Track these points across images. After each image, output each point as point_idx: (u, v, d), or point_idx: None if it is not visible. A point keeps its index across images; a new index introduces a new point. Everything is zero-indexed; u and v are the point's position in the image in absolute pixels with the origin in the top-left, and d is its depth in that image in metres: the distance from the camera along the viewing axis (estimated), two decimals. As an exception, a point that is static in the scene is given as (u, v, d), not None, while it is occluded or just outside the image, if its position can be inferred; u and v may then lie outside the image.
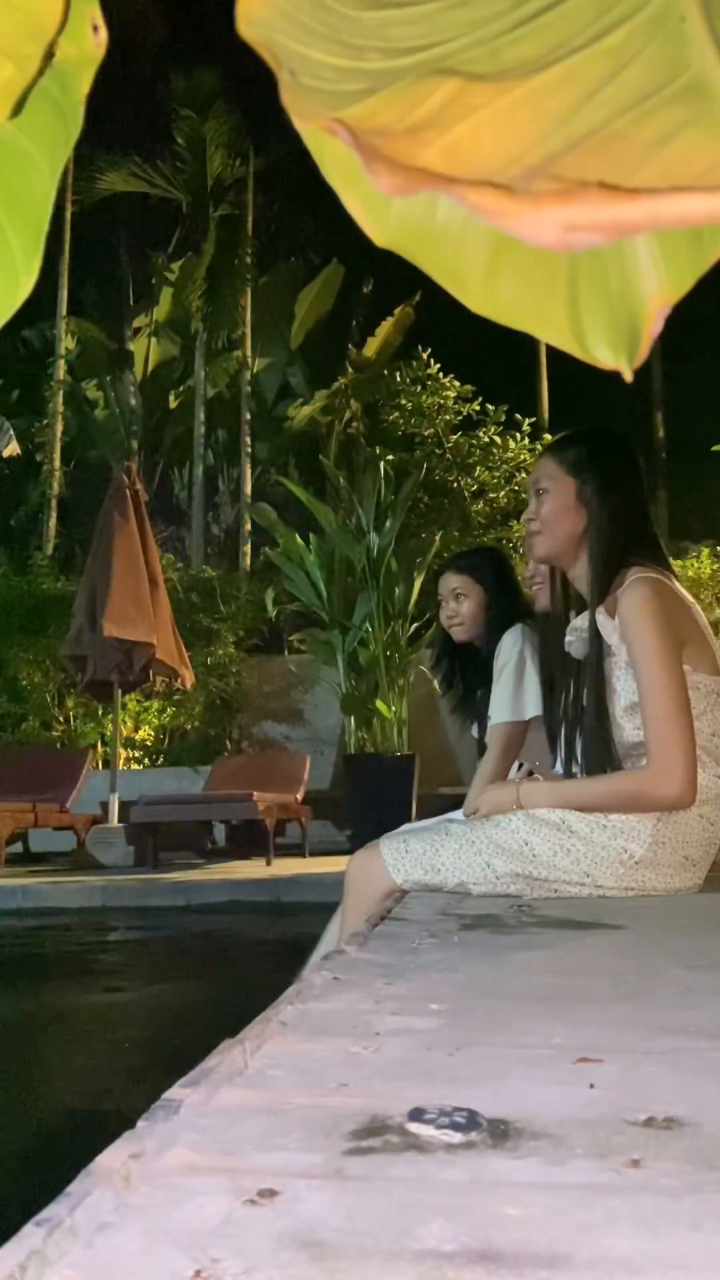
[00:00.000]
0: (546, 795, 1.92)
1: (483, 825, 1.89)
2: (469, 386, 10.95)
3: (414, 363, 11.14)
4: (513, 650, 2.81)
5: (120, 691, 7.65)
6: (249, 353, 15.06)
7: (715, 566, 9.98)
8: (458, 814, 2.38)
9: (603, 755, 1.94)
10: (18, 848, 7.49)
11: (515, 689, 2.78)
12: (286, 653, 10.45)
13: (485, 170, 0.34)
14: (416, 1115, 0.60)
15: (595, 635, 1.95)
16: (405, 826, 2.42)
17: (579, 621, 2.03)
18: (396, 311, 14.89)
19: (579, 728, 2.04)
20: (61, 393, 14.47)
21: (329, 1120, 0.61)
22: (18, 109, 0.43)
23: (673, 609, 1.87)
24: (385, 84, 0.37)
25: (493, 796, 1.96)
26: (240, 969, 3.79)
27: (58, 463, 14.34)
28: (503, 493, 10.86)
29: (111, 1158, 0.53)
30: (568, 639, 2.07)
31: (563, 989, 1.04)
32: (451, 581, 3.04)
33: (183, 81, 14.22)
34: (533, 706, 2.75)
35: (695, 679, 1.86)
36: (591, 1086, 0.68)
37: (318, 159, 0.40)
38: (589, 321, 0.40)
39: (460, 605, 3.00)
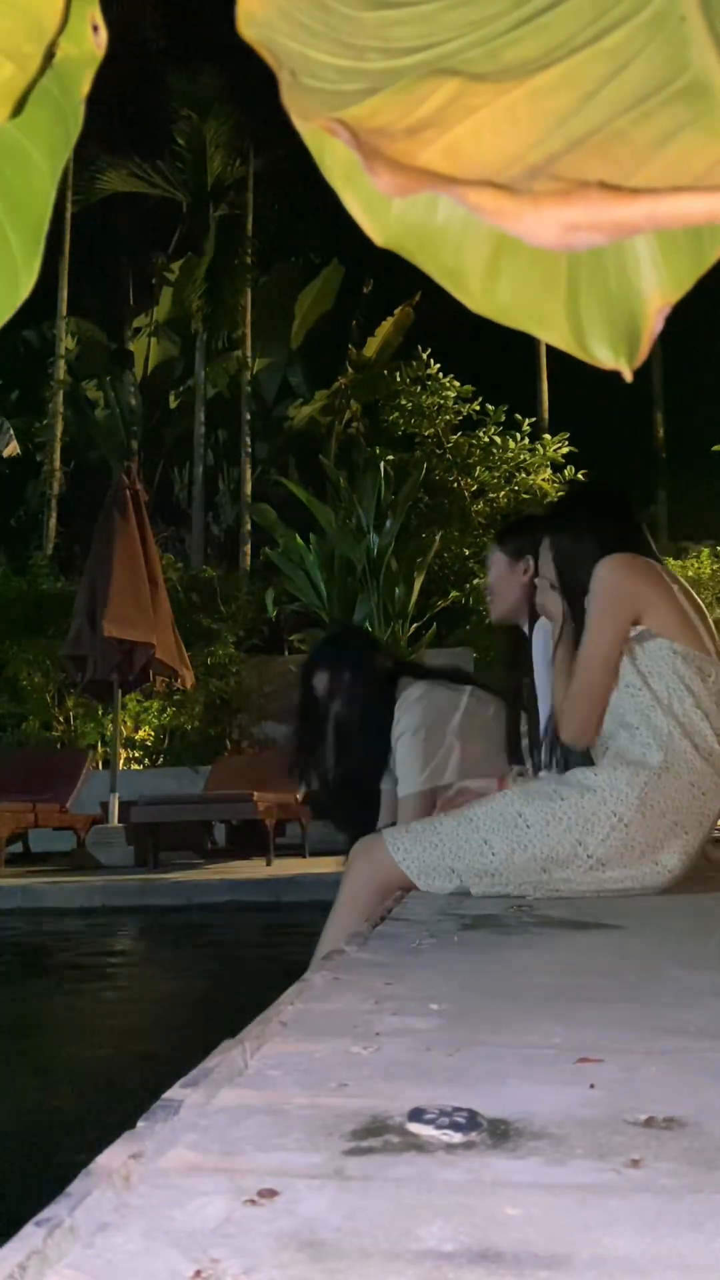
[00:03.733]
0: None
1: (477, 802, 1.99)
2: (469, 387, 10.94)
3: (414, 363, 11.14)
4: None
5: (120, 691, 7.64)
6: (249, 353, 15.06)
7: (715, 566, 9.97)
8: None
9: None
10: (18, 848, 7.47)
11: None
12: (286, 653, 10.45)
13: (485, 170, 0.34)
14: (416, 1115, 0.60)
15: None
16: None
17: None
18: (396, 311, 14.88)
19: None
20: (61, 393, 14.48)
21: (329, 1120, 0.61)
22: (18, 109, 0.43)
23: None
24: (385, 84, 0.37)
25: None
26: (240, 969, 3.78)
27: (58, 463, 14.34)
28: (503, 493, 10.85)
29: (111, 1158, 0.53)
30: None
31: (563, 989, 1.04)
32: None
33: (183, 81, 14.22)
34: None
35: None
36: (591, 1086, 0.68)
37: (318, 159, 0.40)
38: (589, 321, 0.40)
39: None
